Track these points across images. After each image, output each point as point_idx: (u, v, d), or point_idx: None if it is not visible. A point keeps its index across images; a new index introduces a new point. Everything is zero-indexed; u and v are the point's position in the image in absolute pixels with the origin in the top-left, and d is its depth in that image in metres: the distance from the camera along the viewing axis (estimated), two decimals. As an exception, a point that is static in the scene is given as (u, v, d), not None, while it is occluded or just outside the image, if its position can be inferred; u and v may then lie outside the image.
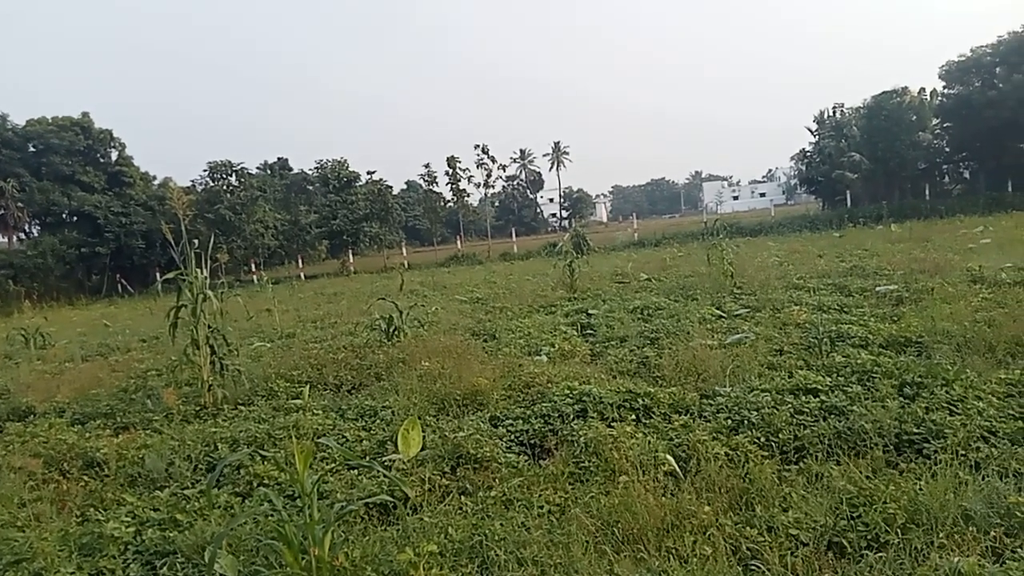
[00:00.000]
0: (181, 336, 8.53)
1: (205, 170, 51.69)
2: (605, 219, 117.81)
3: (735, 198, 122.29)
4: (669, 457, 4.74)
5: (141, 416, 7.86)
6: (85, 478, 5.93)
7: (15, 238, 50.14)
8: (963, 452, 4.47)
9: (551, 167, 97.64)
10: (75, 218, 49.94)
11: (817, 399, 5.68)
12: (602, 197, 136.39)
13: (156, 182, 54.89)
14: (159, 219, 43.28)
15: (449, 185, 55.58)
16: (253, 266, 50.12)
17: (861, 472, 4.32)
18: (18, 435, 7.47)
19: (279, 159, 65.83)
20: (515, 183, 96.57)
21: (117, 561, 4.15)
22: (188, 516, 4.68)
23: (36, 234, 50.39)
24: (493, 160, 57.83)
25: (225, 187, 51.13)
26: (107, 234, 49.20)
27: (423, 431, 5.52)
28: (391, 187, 56.83)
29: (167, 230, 8.99)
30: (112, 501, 5.30)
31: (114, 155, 53.23)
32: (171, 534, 4.39)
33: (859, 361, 6.66)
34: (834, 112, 50.24)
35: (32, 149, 49.31)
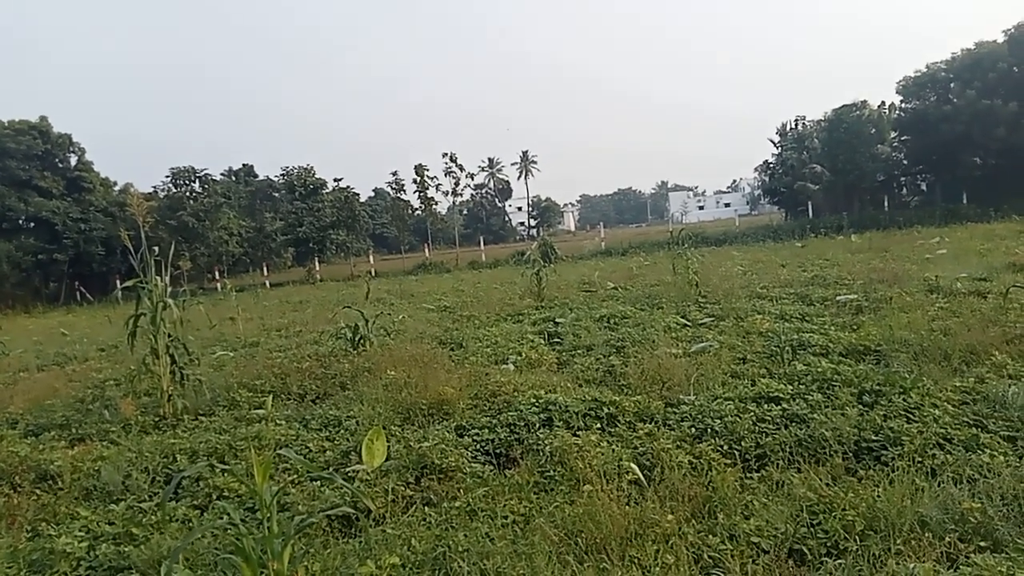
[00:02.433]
0: (140, 345, 8.35)
1: (167, 176, 50.85)
2: (573, 228, 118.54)
3: (700, 208, 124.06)
4: (633, 466, 4.76)
5: (98, 427, 7.66)
6: (37, 492, 5.75)
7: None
8: (919, 459, 4.56)
9: (519, 176, 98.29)
10: (32, 224, 48.62)
11: (779, 407, 5.75)
12: (570, 206, 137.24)
13: (117, 188, 53.69)
14: (119, 225, 42.43)
15: (417, 193, 55.39)
16: (217, 274, 49.28)
17: (821, 479, 4.39)
18: (-33, 448, 7.23)
19: (244, 165, 65.02)
20: (483, 191, 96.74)
21: (69, 578, 4.03)
22: (144, 530, 4.57)
23: (-10, 240, 48.98)
24: (461, 168, 57.73)
25: (188, 193, 50.32)
26: (65, 240, 48.01)
27: (388, 441, 5.46)
28: (358, 194, 56.40)
29: (126, 237, 8.81)
30: (65, 515, 5.15)
31: (73, 160, 52.00)
32: (126, 549, 4.27)
33: (820, 369, 6.77)
34: (796, 124, 51.29)
35: (-13, 153, 47.99)
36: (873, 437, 5.02)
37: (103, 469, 5.86)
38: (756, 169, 59.83)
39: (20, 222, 48.68)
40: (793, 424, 5.42)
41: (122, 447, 6.63)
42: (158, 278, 8.16)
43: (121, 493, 5.52)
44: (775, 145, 52.04)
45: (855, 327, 9.28)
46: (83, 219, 48.98)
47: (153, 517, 4.76)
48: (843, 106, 46.52)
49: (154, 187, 51.50)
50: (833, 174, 45.87)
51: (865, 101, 46.70)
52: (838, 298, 11.54)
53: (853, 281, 13.89)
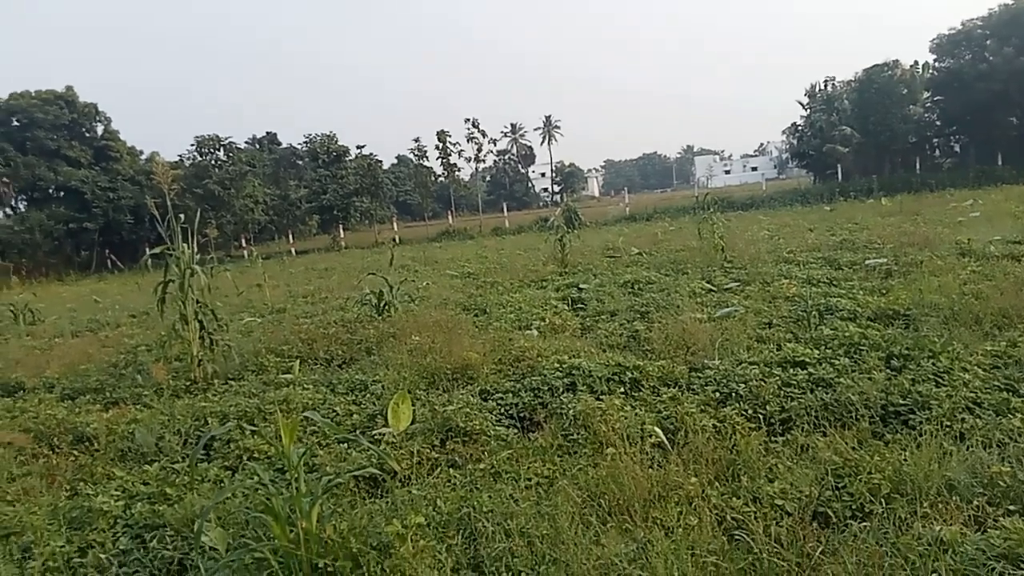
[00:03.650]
0: (170, 311, 8.48)
1: (192, 145, 51.17)
2: (597, 194, 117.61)
3: (727, 172, 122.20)
4: (657, 429, 4.77)
5: (131, 391, 7.84)
6: (75, 453, 5.92)
7: (2, 213, 49.66)
8: (948, 423, 4.51)
9: (543, 141, 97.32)
10: (62, 193, 49.42)
11: (805, 371, 5.71)
12: (594, 172, 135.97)
13: (143, 157, 54.23)
14: (146, 194, 42.96)
15: (440, 160, 55.32)
16: (243, 241, 49.83)
17: (847, 443, 4.36)
18: (7, 410, 7.47)
19: (268, 133, 65.45)
20: (506, 158, 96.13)
21: (107, 534, 4.15)
22: (177, 490, 4.68)
23: (23, 209, 49.86)
24: (484, 134, 57.64)
25: (213, 162, 50.65)
26: (95, 209, 48.74)
27: (413, 405, 5.53)
28: (381, 162, 56.45)
29: (153, 205, 8.91)
30: (102, 475, 5.30)
31: (100, 129, 52.55)
32: (160, 508, 4.39)
33: (847, 334, 6.69)
34: (825, 86, 49.98)
35: (16, 123, 48.57)
36: (901, 401, 4.97)
37: (137, 431, 6.00)
38: (784, 132, 58.57)
39: (50, 191, 49.53)
40: (819, 388, 5.38)
41: (155, 410, 6.79)
42: (185, 245, 8.25)
43: (155, 454, 5.66)
44: (803, 107, 50.84)
45: (884, 291, 9.15)
46: (111, 188, 49.65)
47: (185, 477, 4.88)
48: (874, 66, 45.31)
49: (180, 156, 51.97)
50: (863, 136, 44.86)
51: (897, 61, 45.46)
52: (867, 262, 11.36)
53: (883, 245, 13.65)
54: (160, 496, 4.63)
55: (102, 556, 3.91)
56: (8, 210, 50.00)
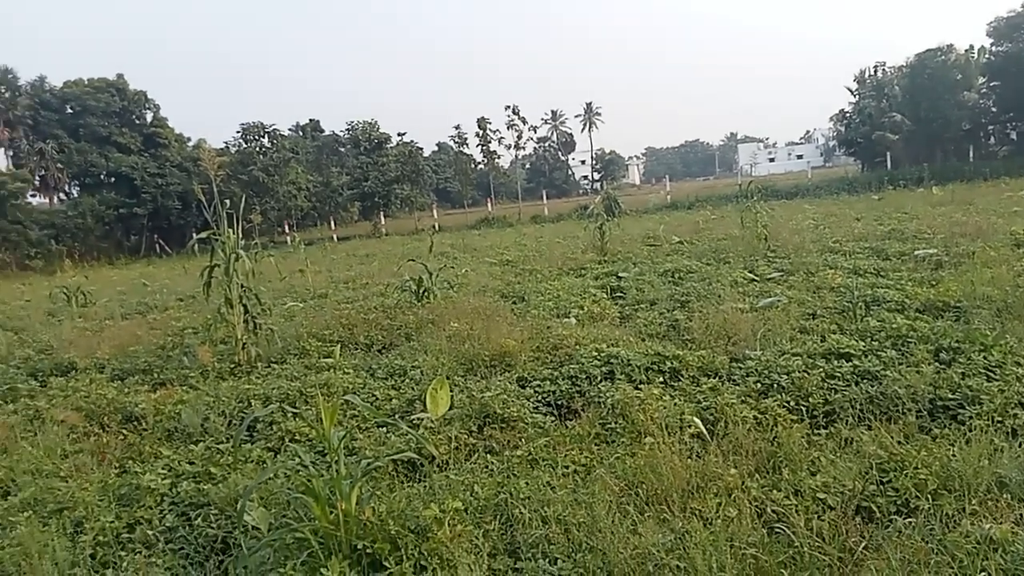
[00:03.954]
0: (216, 295, 8.67)
1: (238, 132, 52.06)
2: (637, 181, 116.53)
3: (771, 160, 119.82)
4: (696, 420, 4.72)
5: (178, 372, 8.05)
6: (124, 432, 6.11)
7: (55, 199, 51.24)
8: (1000, 419, 4.37)
9: (583, 128, 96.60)
10: (113, 179, 50.81)
11: (850, 364, 5.58)
12: (635, 159, 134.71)
13: (190, 144, 55.41)
14: (193, 180, 43.90)
15: (480, 147, 55.33)
16: (286, 227, 50.62)
17: (893, 437, 4.25)
18: (60, 390, 7.73)
19: (311, 120, 66.08)
20: (546, 145, 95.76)
21: (154, 511, 4.29)
22: (221, 469, 4.80)
23: (76, 195, 51.40)
24: (524, 121, 57.37)
25: (258, 148, 51.48)
26: (144, 195, 49.99)
27: (451, 391, 5.56)
28: (422, 149, 56.75)
29: (200, 191, 9.08)
30: (150, 454, 5.47)
31: (149, 116, 53.82)
32: (205, 487, 4.50)
33: (894, 326, 6.53)
34: (875, 71, 48.63)
35: (69, 111, 50.07)
36: (950, 395, 4.83)
37: (183, 412, 6.16)
38: (831, 119, 57.32)
39: (102, 177, 50.95)
40: (864, 381, 5.26)
41: (200, 391, 6.96)
42: (230, 231, 8.40)
43: (200, 435, 5.81)
44: (852, 93, 49.55)
45: (934, 282, 8.88)
46: (160, 174, 50.86)
47: (229, 458, 5.00)
48: (927, 50, 43.88)
49: (225, 142, 52.91)
50: (914, 123, 43.55)
51: (951, 45, 43.97)
52: (916, 253, 11.06)
53: (933, 235, 13.27)
54: (205, 475, 4.74)
55: (149, 532, 4.04)
56: (62, 196, 51.60)
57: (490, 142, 54.63)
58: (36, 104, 48.93)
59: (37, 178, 48.80)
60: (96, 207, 47.84)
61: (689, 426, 4.67)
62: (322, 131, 65.99)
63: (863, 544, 3.21)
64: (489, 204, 52.71)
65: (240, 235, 8.53)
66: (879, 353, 5.79)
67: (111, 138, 49.98)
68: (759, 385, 5.46)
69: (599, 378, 5.96)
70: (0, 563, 3.79)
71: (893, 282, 9.07)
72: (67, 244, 45.67)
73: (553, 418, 5.42)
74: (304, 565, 3.34)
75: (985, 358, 5.38)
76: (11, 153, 49.20)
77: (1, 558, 3.82)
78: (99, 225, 48.34)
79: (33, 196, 49.12)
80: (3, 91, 48.09)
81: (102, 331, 12.09)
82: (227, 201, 8.51)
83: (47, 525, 4.18)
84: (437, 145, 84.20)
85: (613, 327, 8.25)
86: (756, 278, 10.65)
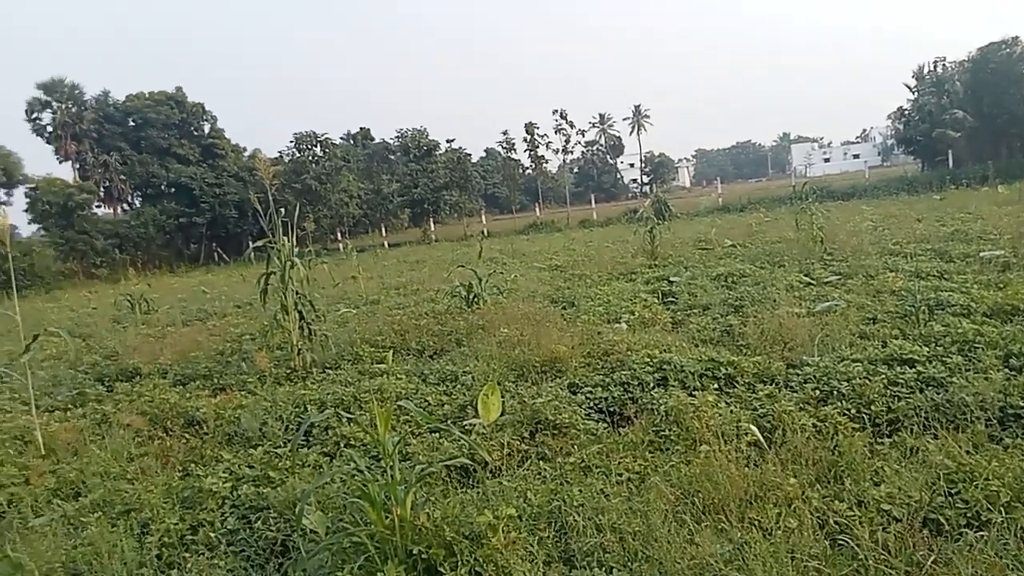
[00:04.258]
0: (272, 302, 8.86)
1: (291, 141, 53.28)
2: (688, 184, 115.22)
3: (826, 160, 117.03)
4: (753, 427, 4.62)
5: (236, 378, 8.25)
6: (186, 435, 6.29)
7: (119, 209, 53.23)
8: (1077, 428, 4.18)
9: (631, 131, 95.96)
10: (173, 189, 52.50)
11: (913, 370, 5.40)
12: (685, 161, 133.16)
13: (246, 153, 56.92)
14: (249, 189, 45.08)
15: (528, 152, 55.49)
16: (339, 235, 51.53)
17: (961, 447, 4.09)
18: (126, 394, 8.01)
19: (361, 129, 67.09)
20: (594, 148, 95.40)
21: (216, 514, 4.40)
22: (280, 473, 4.90)
23: (138, 205, 53.28)
24: (572, 125, 57.41)
25: (310, 157, 52.57)
26: (203, 204, 51.54)
27: (502, 396, 5.57)
28: (470, 155, 57.21)
29: (256, 200, 9.31)
30: (211, 458, 5.61)
31: (207, 128, 55.51)
32: (264, 490, 4.60)
33: (960, 330, 6.29)
34: (935, 67, 46.99)
35: (132, 123, 52.01)
36: (1021, 403, 4.63)
37: (242, 416, 6.32)
38: (889, 117, 55.48)
39: (162, 187, 52.70)
40: (929, 388, 5.08)
41: (258, 396, 7.12)
42: (285, 238, 8.59)
43: (259, 439, 5.94)
44: (911, 90, 47.99)
45: (1002, 285, 8.53)
46: (217, 184, 52.39)
47: (287, 462, 5.09)
48: (990, 44, 42.25)
49: (279, 152, 54.20)
50: (978, 119, 41.95)
51: (1016, 37, 42.16)
52: (982, 254, 10.64)
53: (999, 236, 12.75)
54: (264, 479, 4.85)
55: (212, 534, 4.15)
56: (125, 206, 53.55)
57: (538, 147, 54.75)
58: (100, 118, 50.96)
59: (102, 189, 50.86)
60: (157, 217, 49.51)
61: (746, 434, 4.58)
62: (373, 139, 67.00)
63: (932, 558, 3.10)
64: (537, 209, 52.76)
65: (294, 243, 8.71)
66: (944, 359, 5.59)
67: (171, 149, 51.71)
68: (818, 392, 5.32)
69: (652, 384, 5.89)
70: (73, 561, 3.94)
71: (958, 285, 8.75)
72: (130, 253, 47.39)
73: (605, 425, 5.38)
74: (361, 569, 3.38)
75: (1060, 365, 5.15)
76: (78, 166, 51.33)
77: (74, 557, 3.97)
78: (160, 234, 50.01)
79: (98, 207, 51.19)
80: (70, 106, 50.19)
81: (164, 337, 12.47)
82: (282, 209, 8.69)
83: (115, 526, 4.32)
84: (485, 151, 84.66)
85: (665, 332, 8.15)
86: (812, 282, 10.40)
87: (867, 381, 5.26)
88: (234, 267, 38.22)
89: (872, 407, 4.91)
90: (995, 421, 4.54)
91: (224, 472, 5.04)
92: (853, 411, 4.91)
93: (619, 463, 4.48)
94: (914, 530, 3.33)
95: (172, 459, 5.72)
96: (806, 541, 3.28)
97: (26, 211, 44.79)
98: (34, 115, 50.03)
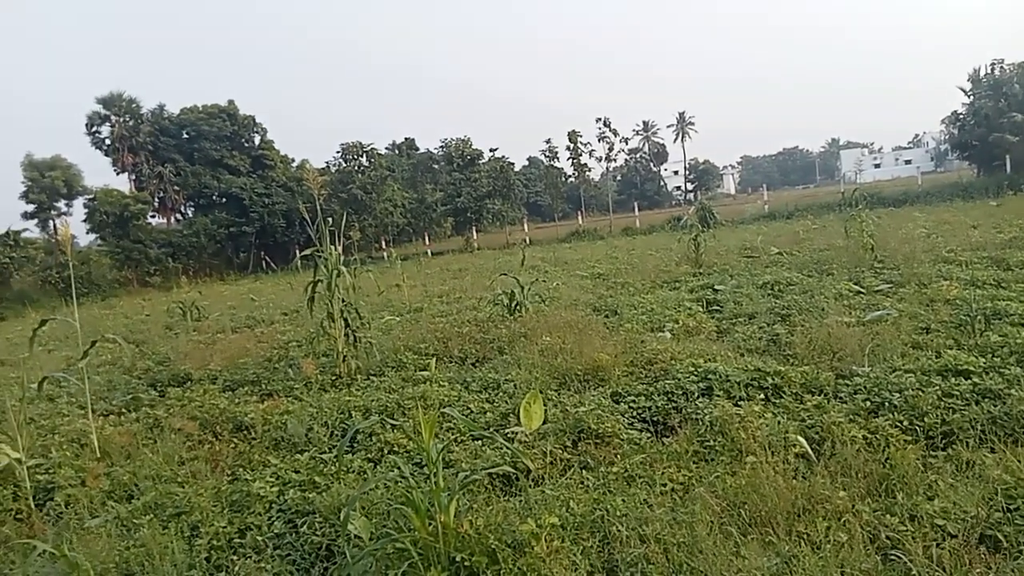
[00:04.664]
0: (318, 310, 9.01)
1: (338, 151, 54.12)
2: (733, 191, 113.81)
3: (876, 166, 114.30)
4: (801, 439, 4.54)
5: (283, 384, 8.41)
6: (235, 440, 6.44)
7: (173, 219, 54.77)
8: None
9: (675, 138, 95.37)
10: (224, 199, 53.79)
11: (969, 381, 5.24)
12: (730, 168, 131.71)
13: (294, 164, 58.07)
14: (297, 199, 45.95)
15: (570, 160, 55.38)
16: (383, 243, 52.16)
17: (1020, 461, 3.95)
18: (177, 399, 8.22)
19: (406, 139, 67.84)
20: (638, 156, 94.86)
21: (263, 518, 4.49)
22: (325, 479, 4.97)
23: (191, 215, 54.76)
24: (615, 133, 57.13)
25: (356, 167, 53.30)
26: (252, 214, 52.67)
27: (545, 405, 5.57)
28: (513, 164, 57.18)
29: (304, 209, 9.49)
30: (259, 462, 5.72)
31: (257, 139, 56.76)
32: (310, 495, 4.68)
33: (1019, 341, 6.08)
34: (992, 69, 45.48)
35: (185, 136, 53.50)
36: (1085, 417, 4.46)
37: (289, 422, 6.43)
38: (943, 121, 54.07)
39: (214, 198, 54.06)
40: (986, 400, 4.92)
41: (304, 403, 7.24)
42: (332, 247, 8.73)
43: (305, 444, 6.04)
44: (966, 93, 46.55)
45: (1064, 294, 8.22)
46: (266, 194, 53.49)
47: (333, 467, 5.17)
48: (1052, 44, 40.80)
49: (326, 162, 55.09)
50: (1037, 123, 40.50)
51: (1080, 37, 40.67)
52: (1042, 262, 10.27)
53: (1061, 243, 12.29)
54: (310, 484, 4.93)
55: (259, 538, 4.23)
56: (178, 216, 55.09)
57: (581, 155, 54.62)
58: (156, 131, 52.54)
59: (156, 200, 52.39)
60: (208, 226, 50.78)
61: (793, 445, 4.50)
62: (417, 149, 67.71)
63: (989, 576, 3.00)
64: (580, 217, 52.62)
65: (341, 251, 8.85)
66: (1002, 370, 5.41)
67: (223, 161, 53.02)
68: (868, 403, 5.19)
69: (696, 394, 5.83)
70: (126, 562, 4.06)
71: (1016, 294, 8.45)
72: (182, 261, 48.69)
73: (649, 434, 5.33)
74: (405, 575, 3.41)
75: None
76: (134, 177, 52.94)
77: (127, 557, 4.09)
78: (211, 243, 51.23)
79: (152, 217, 52.61)
80: (128, 120, 51.90)
81: (214, 344, 12.76)
82: (329, 219, 8.85)
83: (166, 528, 4.44)
84: (528, 159, 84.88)
85: (710, 341, 8.05)
86: (862, 290, 10.16)
87: (920, 392, 5.12)
88: (282, 275, 39.00)
89: (925, 419, 4.77)
90: (1057, 435, 4.38)
91: (271, 476, 5.14)
92: (905, 423, 4.78)
93: (663, 473, 4.44)
94: (970, 547, 3.23)
95: (221, 463, 5.85)
96: (856, 556, 3.21)
97: (85, 221, 46.39)
98: (94, 128, 51.81)
